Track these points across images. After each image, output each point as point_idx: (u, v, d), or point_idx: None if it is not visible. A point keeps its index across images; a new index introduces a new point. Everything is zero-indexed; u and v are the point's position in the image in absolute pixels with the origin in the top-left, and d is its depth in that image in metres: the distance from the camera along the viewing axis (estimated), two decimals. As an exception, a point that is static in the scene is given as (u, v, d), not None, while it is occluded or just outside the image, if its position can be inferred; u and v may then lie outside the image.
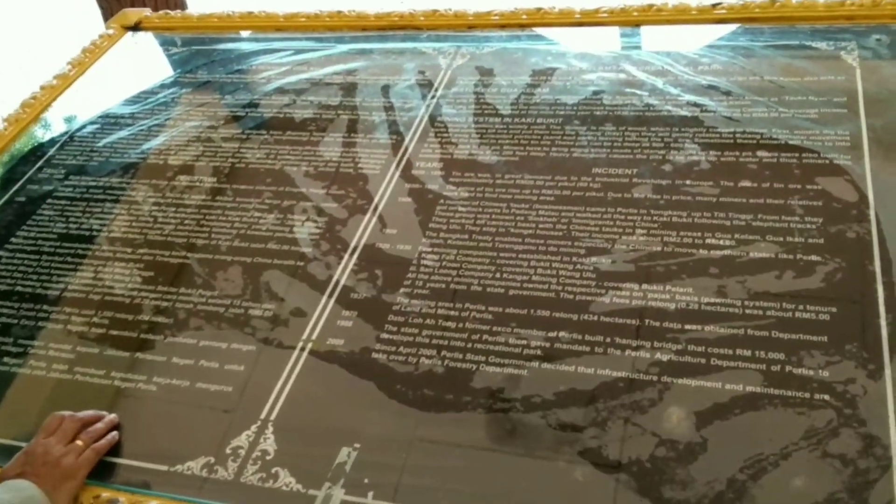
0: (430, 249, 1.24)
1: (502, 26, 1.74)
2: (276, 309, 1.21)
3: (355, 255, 1.27)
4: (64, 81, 1.82)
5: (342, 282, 1.23)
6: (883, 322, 1.00)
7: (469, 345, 1.09)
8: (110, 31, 1.99)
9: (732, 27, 1.58)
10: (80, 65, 1.87)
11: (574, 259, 1.17)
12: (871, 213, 1.13)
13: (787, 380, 0.97)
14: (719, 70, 1.47)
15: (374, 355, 1.11)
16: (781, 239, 1.13)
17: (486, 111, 1.50)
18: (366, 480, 0.97)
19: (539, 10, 1.72)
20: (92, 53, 1.91)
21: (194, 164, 1.52)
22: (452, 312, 1.14)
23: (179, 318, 1.23)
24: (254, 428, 1.06)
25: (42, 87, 1.81)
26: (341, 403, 1.07)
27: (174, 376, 1.15)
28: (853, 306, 1.03)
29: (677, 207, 1.21)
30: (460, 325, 1.12)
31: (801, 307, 1.04)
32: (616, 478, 0.93)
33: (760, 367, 0.98)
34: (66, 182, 1.54)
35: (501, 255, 1.20)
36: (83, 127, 1.70)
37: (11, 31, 4.78)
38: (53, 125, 1.73)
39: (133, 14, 2.05)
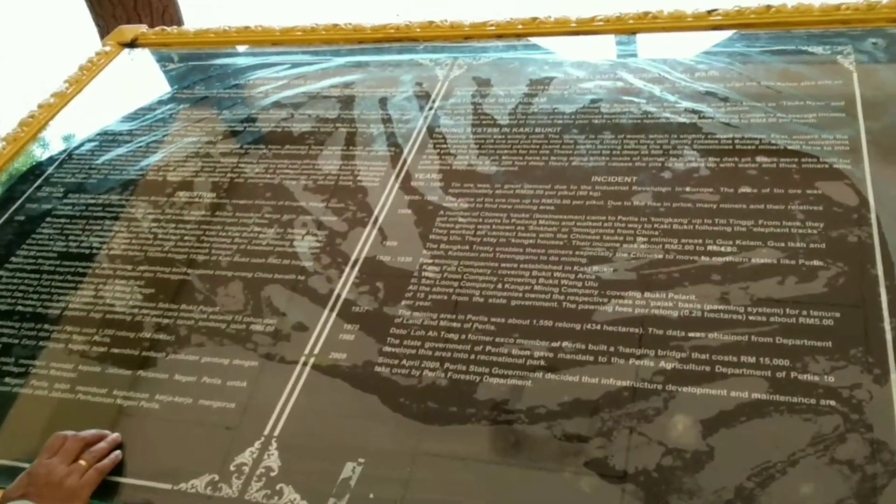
0: (430, 261, 1.24)
1: (499, 36, 1.74)
2: (278, 324, 1.21)
3: (356, 269, 1.26)
4: (61, 99, 1.82)
5: (343, 295, 1.22)
6: (887, 326, 1.00)
7: (472, 356, 1.09)
8: (107, 49, 2.00)
9: (728, 33, 1.58)
10: (78, 82, 1.87)
11: (575, 268, 1.17)
12: (872, 216, 1.13)
13: (792, 386, 0.96)
14: (716, 76, 1.47)
15: (377, 369, 1.11)
16: (783, 244, 1.12)
17: (484, 121, 1.50)
18: (371, 495, 0.97)
19: (535, 19, 1.72)
20: (89, 71, 1.91)
21: (193, 180, 1.52)
22: (455, 324, 1.14)
23: (181, 335, 1.22)
24: (257, 444, 1.05)
25: (40, 106, 1.81)
26: (345, 418, 1.07)
27: (176, 394, 1.14)
28: (856, 311, 1.03)
29: (678, 214, 1.21)
30: (463, 336, 1.12)
31: (804, 313, 1.03)
32: (622, 488, 0.93)
33: (765, 373, 0.98)
34: (65, 200, 1.54)
35: (503, 265, 1.20)
36: (81, 145, 1.70)
37: (7, 51, 4.79)
38: (52, 143, 1.73)
39: (129, 31, 2.05)
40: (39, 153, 1.71)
